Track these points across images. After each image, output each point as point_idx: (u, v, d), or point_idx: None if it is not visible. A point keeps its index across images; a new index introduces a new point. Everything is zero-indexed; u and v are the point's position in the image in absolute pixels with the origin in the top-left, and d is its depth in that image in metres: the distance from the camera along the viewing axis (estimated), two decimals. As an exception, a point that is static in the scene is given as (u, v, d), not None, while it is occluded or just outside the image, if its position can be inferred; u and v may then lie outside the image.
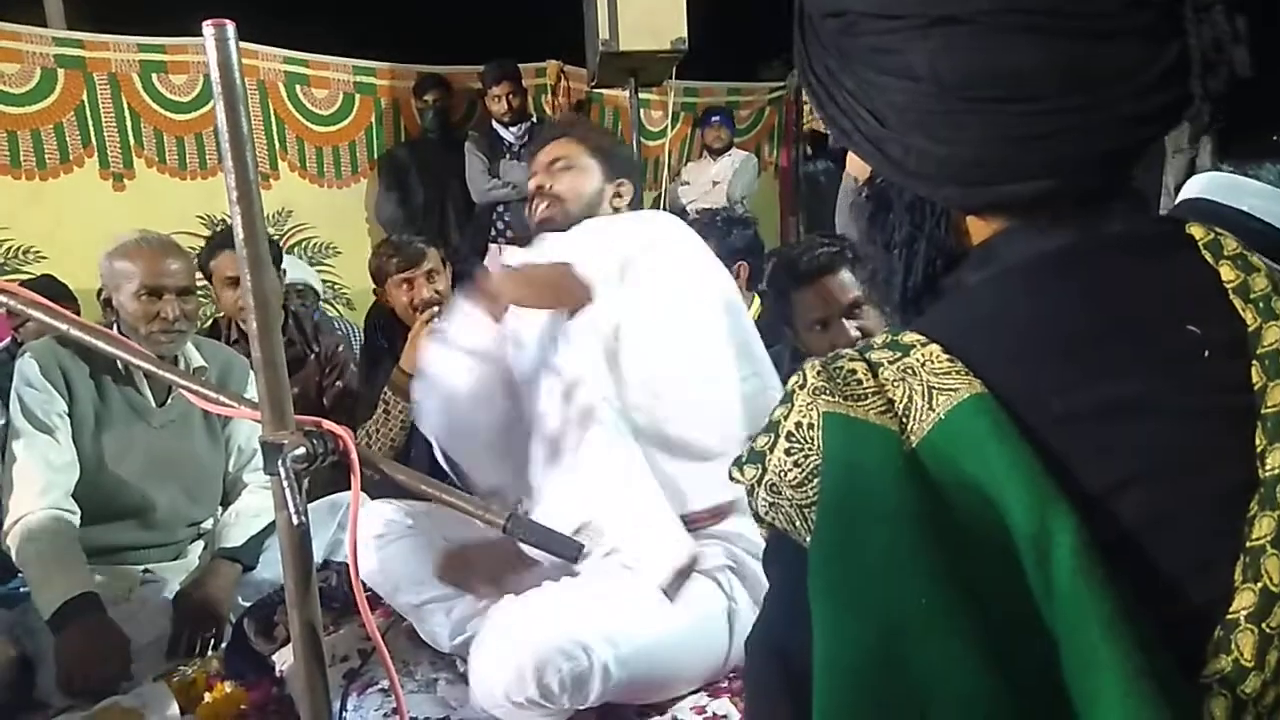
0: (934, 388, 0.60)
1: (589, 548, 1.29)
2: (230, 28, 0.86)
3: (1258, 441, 0.59)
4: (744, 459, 0.66)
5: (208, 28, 0.86)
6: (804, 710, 0.58)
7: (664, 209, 3.64)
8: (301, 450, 0.91)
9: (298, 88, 4.65)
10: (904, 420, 0.61)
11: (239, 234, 0.89)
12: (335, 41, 4.82)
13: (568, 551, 1.07)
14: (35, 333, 2.79)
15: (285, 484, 0.89)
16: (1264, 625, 0.56)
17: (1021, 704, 0.55)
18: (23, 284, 2.59)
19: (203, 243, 3.14)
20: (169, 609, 2.04)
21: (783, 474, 0.63)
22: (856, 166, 0.77)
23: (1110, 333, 0.62)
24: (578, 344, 1.72)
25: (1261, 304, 0.62)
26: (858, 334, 2.07)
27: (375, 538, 1.93)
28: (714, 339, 1.74)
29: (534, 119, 4.69)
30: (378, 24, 5.72)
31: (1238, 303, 0.63)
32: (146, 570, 2.17)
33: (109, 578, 2.06)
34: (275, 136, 4.59)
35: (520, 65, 4.65)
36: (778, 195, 5.98)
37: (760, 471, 0.65)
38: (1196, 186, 1.56)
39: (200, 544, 2.30)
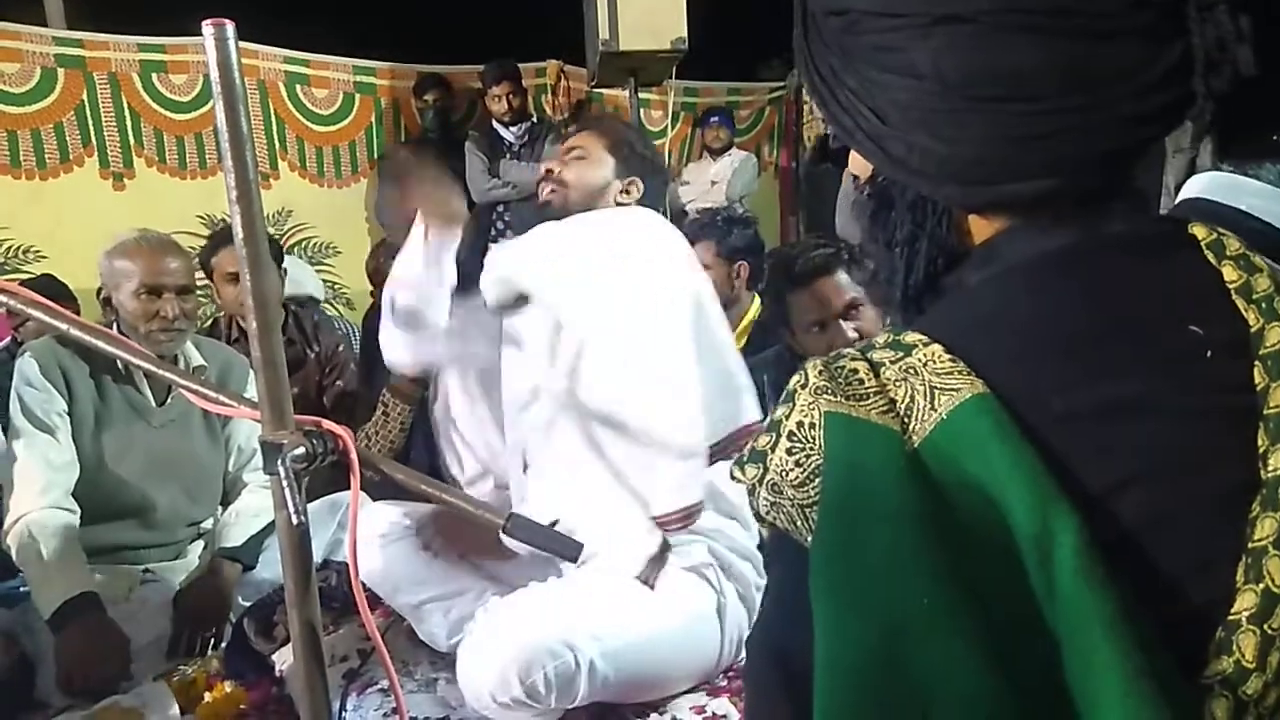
0: (936, 387, 0.60)
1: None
2: (230, 27, 0.86)
3: (1259, 442, 0.59)
4: (745, 458, 0.66)
5: (207, 27, 0.86)
6: (805, 710, 0.58)
7: (664, 209, 3.63)
8: (301, 450, 0.91)
9: (298, 87, 4.65)
10: (906, 420, 0.61)
11: (239, 234, 0.90)
12: (335, 41, 4.83)
13: (568, 551, 1.07)
14: (35, 332, 2.79)
15: (285, 484, 0.89)
16: (1266, 626, 0.56)
17: (1023, 704, 0.55)
18: (23, 283, 2.58)
19: (203, 242, 3.14)
20: (169, 608, 2.04)
21: (784, 473, 0.63)
22: (858, 165, 0.76)
23: (1111, 332, 0.62)
24: (542, 347, 1.72)
25: (1264, 304, 0.62)
26: (855, 335, 2.07)
27: (379, 537, 1.93)
28: (678, 340, 1.69)
29: (534, 119, 4.70)
30: (378, 24, 5.71)
31: (1240, 303, 0.63)
32: (146, 570, 2.17)
33: (109, 577, 2.06)
34: (275, 136, 4.59)
35: (520, 65, 4.65)
36: (778, 195, 5.98)
37: (761, 471, 0.65)
38: (1196, 186, 1.55)
39: (200, 544, 2.30)
